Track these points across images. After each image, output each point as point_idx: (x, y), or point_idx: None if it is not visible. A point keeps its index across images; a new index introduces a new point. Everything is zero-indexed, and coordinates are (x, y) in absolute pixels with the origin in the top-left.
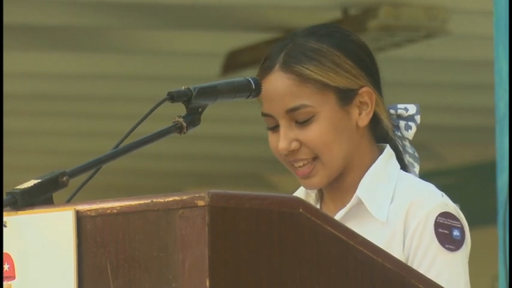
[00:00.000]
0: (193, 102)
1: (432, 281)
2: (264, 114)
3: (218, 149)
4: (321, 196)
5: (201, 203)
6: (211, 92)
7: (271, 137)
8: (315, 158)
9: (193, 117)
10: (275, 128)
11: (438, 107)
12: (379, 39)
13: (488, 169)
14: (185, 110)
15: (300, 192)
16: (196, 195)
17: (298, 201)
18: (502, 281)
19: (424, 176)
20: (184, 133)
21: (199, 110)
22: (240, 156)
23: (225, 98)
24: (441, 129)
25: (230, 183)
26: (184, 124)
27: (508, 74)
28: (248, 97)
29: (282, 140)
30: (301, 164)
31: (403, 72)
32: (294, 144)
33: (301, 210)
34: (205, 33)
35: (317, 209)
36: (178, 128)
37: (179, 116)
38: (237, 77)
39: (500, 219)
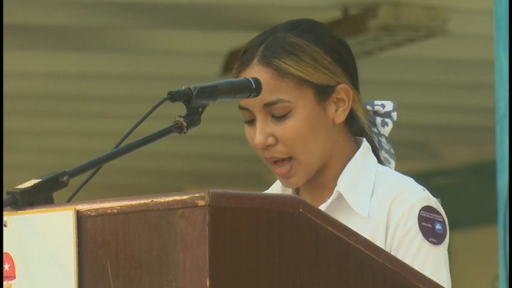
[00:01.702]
0: (193, 102)
1: (432, 280)
2: (241, 108)
3: (219, 148)
4: (296, 191)
5: (201, 202)
6: (211, 92)
7: (248, 131)
8: (290, 158)
9: (193, 117)
10: (252, 122)
11: (439, 106)
12: (379, 39)
13: (488, 169)
14: (185, 109)
15: (277, 188)
16: (197, 195)
17: (299, 200)
18: (502, 281)
19: (424, 176)
20: (184, 133)
21: (200, 109)
22: (240, 156)
23: (226, 98)
24: (441, 129)
25: (230, 183)
26: (185, 124)
27: (508, 74)
28: (249, 97)
29: (259, 134)
30: (276, 160)
31: (404, 71)
32: (270, 140)
33: (301, 209)
34: (205, 33)
35: (317, 208)
36: (178, 128)
37: (179, 116)
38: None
39: (500, 219)
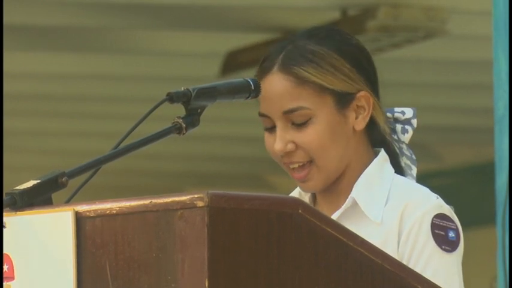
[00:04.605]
0: (192, 103)
1: (431, 281)
2: (261, 115)
3: (218, 149)
4: (314, 198)
5: (200, 203)
6: (210, 93)
7: (268, 137)
8: (311, 162)
9: (192, 118)
10: (272, 129)
11: (438, 107)
12: (378, 39)
13: (487, 169)
14: (184, 110)
15: (294, 194)
16: (196, 196)
17: (298, 202)
18: (501, 281)
19: (423, 176)
20: (183, 134)
21: (199, 110)
22: (240, 156)
23: (224, 99)
24: (440, 129)
25: (229, 183)
26: (184, 125)
27: (507, 75)
28: (247, 98)
29: (278, 142)
30: (296, 165)
31: (403, 72)
32: (290, 146)
33: (300, 211)
34: (205, 34)
35: (316, 210)
36: (177, 129)
37: (178, 117)
38: (236, 78)
39: (499, 219)
